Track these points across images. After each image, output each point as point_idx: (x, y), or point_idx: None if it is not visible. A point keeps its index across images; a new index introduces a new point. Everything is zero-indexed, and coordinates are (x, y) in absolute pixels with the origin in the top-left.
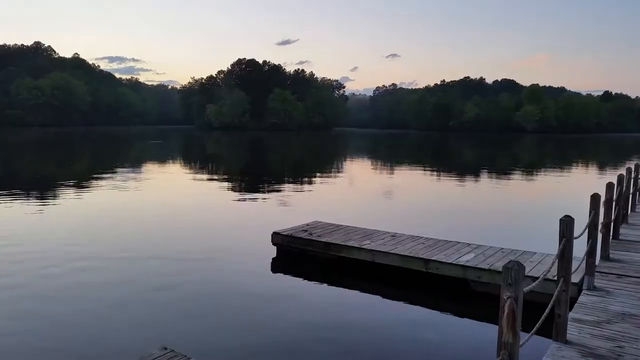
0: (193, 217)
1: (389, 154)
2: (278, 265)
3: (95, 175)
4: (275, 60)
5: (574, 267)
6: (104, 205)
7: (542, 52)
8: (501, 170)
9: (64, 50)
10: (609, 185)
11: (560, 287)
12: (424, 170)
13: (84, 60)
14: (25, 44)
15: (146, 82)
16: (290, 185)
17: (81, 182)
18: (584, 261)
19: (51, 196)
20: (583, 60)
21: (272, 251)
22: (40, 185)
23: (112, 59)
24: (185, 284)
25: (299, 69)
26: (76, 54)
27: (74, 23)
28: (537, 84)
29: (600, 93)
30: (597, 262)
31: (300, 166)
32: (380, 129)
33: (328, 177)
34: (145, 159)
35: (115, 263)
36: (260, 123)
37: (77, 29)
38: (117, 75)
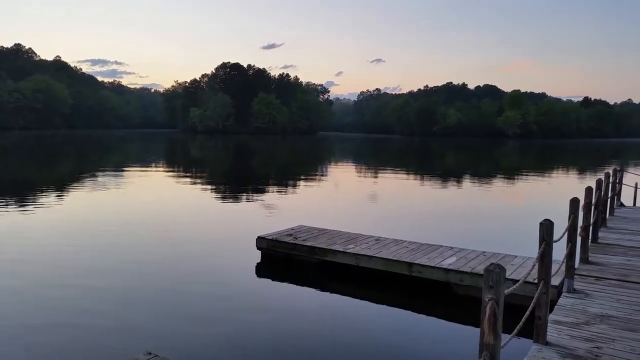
0: (176, 222)
1: (373, 158)
2: (263, 270)
3: (75, 180)
4: (260, 64)
5: (554, 270)
6: (85, 210)
7: (524, 58)
8: (483, 174)
9: (45, 53)
10: (588, 190)
11: (541, 289)
12: (407, 174)
13: (65, 63)
14: (5, 46)
15: (129, 86)
16: (274, 189)
17: (62, 186)
18: (564, 264)
19: (30, 201)
20: (563, 66)
21: (257, 256)
22: (17, 190)
23: (94, 62)
24: (169, 289)
25: (283, 73)
26: (58, 56)
27: (56, 25)
28: (519, 90)
29: (580, 99)
30: (576, 265)
31: (285, 170)
32: (364, 133)
33: (313, 181)
34: (128, 163)
35: (97, 268)
36: (244, 127)
37: (58, 31)
38: (100, 79)
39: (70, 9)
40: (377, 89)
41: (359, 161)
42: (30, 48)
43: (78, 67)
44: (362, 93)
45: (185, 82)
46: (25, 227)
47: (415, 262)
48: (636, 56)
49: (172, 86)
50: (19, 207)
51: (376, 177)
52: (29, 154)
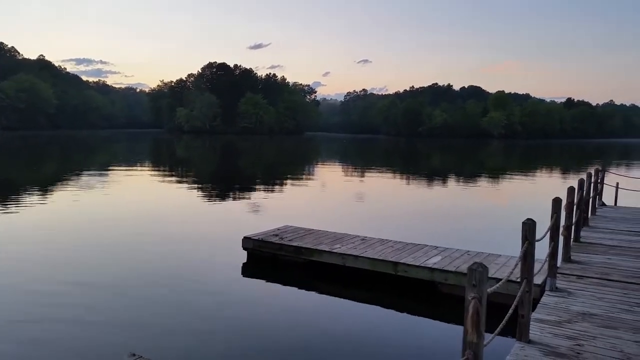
0: (162, 222)
1: (360, 159)
2: (249, 270)
3: (59, 180)
4: (246, 64)
5: (537, 269)
6: (70, 211)
7: (508, 59)
8: (468, 175)
9: (29, 52)
10: (570, 190)
11: (524, 288)
12: (393, 174)
13: (49, 62)
14: None
15: (114, 85)
16: (261, 189)
17: (45, 187)
18: (547, 263)
19: (13, 201)
20: (547, 68)
21: (243, 256)
22: (1, 191)
23: (79, 61)
24: (154, 290)
25: (270, 73)
26: (41, 55)
27: (39, 23)
28: (503, 91)
29: (564, 100)
30: (559, 264)
31: (271, 170)
32: (351, 133)
33: (299, 181)
34: (114, 164)
35: (81, 269)
36: (231, 127)
37: (42, 30)
38: (84, 78)
39: (54, 7)
40: (363, 89)
41: (346, 161)
42: (13, 47)
43: (62, 67)
44: (348, 93)
45: (171, 81)
46: (8, 228)
47: (400, 261)
48: (618, 58)
49: (158, 86)
50: (1, 208)
51: (362, 177)
52: (13, 154)
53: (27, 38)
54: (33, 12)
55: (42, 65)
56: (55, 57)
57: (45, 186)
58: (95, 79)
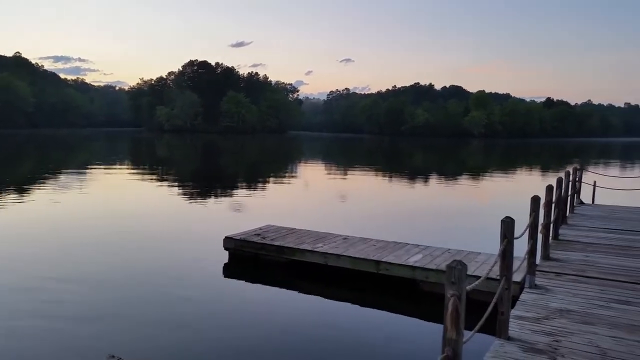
0: (141, 222)
1: (342, 157)
2: (230, 270)
3: (36, 180)
4: (228, 63)
5: (516, 266)
6: (49, 210)
7: (489, 59)
8: (449, 174)
9: (5, 49)
10: (549, 188)
11: (503, 285)
12: (375, 174)
13: (26, 60)
14: None
15: (93, 83)
16: (242, 189)
17: (24, 186)
18: (526, 260)
19: None
20: (527, 68)
21: (224, 256)
22: None
23: (57, 59)
24: (133, 291)
25: (252, 71)
26: (18, 52)
27: (15, 20)
28: (484, 90)
29: (543, 99)
30: (538, 261)
31: (254, 169)
32: (334, 132)
33: (281, 180)
34: (91, 163)
35: (58, 270)
36: (213, 126)
37: (18, 26)
38: (63, 76)
39: (30, 3)
40: (346, 88)
41: (328, 160)
42: None
43: (40, 64)
44: (331, 92)
45: (151, 79)
46: None
47: (382, 260)
48: (595, 58)
49: (138, 84)
50: None
51: (345, 176)
52: None
53: (2, 35)
54: (8, 8)
55: (19, 62)
56: (32, 55)
57: (24, 185)
58: (74, 77)
